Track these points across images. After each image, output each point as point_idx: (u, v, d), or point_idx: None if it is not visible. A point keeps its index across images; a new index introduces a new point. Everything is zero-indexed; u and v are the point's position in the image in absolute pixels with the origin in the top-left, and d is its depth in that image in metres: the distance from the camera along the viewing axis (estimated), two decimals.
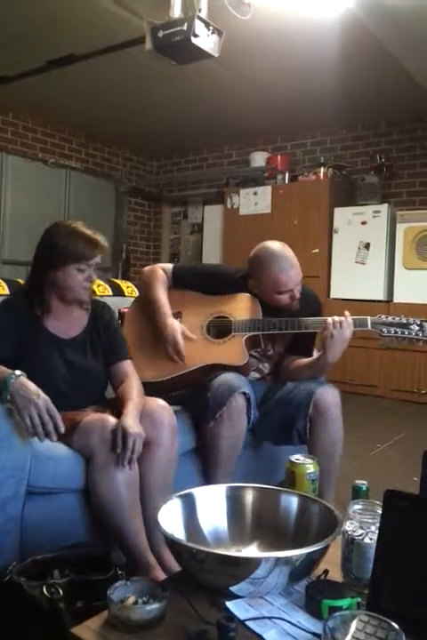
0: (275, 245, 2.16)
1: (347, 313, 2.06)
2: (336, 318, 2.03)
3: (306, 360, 2.18)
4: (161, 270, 2.29)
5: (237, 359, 2.10)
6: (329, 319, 2.03)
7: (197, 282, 2.28)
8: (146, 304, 2.26)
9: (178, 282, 2.29)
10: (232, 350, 2.13)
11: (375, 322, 2.08)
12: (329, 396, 2.04)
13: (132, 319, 2.33)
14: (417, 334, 2.05)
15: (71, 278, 1.77)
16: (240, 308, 2.19)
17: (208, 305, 2.24)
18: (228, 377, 2.01)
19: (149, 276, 2.29)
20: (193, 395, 2.09)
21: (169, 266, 2.33)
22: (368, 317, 2.09)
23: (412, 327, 2.06)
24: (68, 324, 1.86)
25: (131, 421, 1.64)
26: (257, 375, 2.26)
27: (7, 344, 1.72)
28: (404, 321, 2.08)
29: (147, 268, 2.35)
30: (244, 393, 1.96)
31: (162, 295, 2.22)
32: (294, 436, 2.05)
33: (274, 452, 2.28)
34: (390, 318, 2.09)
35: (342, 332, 2.01)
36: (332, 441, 2.02)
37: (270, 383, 2.25)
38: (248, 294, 2.20)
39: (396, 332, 2.07)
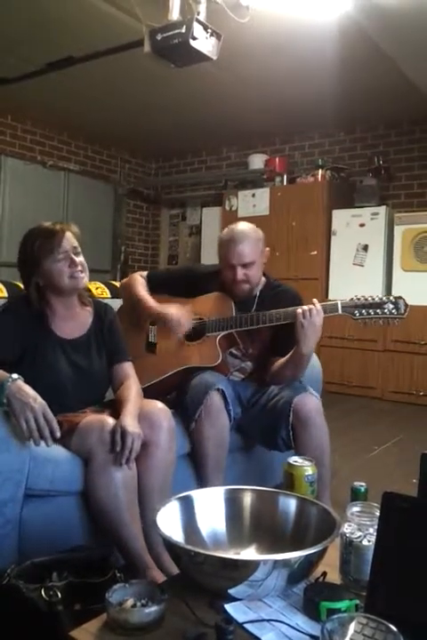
0: (235, 224, 2.17)
1: (315, 300, 2.02)
2: (305, 308, 1.99)
3: (284, 358, 2.13)
4: (140, 277, 2.33)
5: (210, 360, 2.10)
6: (298, 309, 1.99)
7: (171, 286, 2.29)
8: (128, 313, 2.27)
9: (153, 288, 2.30)
10: (206, 351, 2.12)
11: (346, 305, 2.02)
12: (308, 402, 2.00)
13: None
14: (392, 312, 1.98)
15: (53, 270, 1.77)
16: (213, 308, 2.18)
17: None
18: (203, 376, 2.02)
19: (129, 283, 2.33)
20: (176, 399, 2.08)
21: (145, 273, 2.37)
22: (338, 301, 2.03)
23: (386, 306, 1.99)
24: (72, 325, 1.87)
25: (129, 421, 1.65)
26: (241, 375, 2.25)
27: (7, 346, 1.73)
28: (377, 300, 2.01)
29: (126, 278, 2.41)
30: (218, 389, 1.96)
31: (145, 294, 2.24)
32: (279, 443, 2.04)
33: (267, 455, 2.26)
34: (362, 299, 2.02)
35: (312, 321, 1.96)
36: (318, 447, 1.96)
37: (256, 385, 2.22)
38: (221, 293, 2.20)
39: (369, 314, 2.00)
